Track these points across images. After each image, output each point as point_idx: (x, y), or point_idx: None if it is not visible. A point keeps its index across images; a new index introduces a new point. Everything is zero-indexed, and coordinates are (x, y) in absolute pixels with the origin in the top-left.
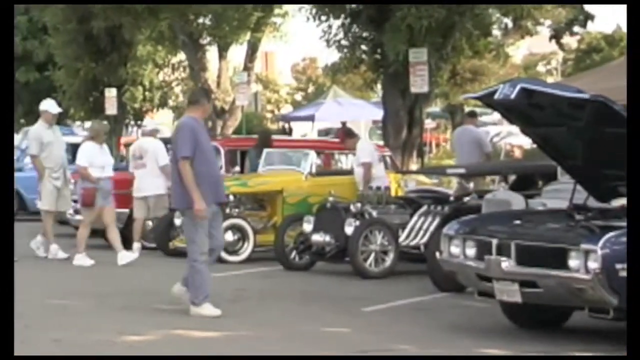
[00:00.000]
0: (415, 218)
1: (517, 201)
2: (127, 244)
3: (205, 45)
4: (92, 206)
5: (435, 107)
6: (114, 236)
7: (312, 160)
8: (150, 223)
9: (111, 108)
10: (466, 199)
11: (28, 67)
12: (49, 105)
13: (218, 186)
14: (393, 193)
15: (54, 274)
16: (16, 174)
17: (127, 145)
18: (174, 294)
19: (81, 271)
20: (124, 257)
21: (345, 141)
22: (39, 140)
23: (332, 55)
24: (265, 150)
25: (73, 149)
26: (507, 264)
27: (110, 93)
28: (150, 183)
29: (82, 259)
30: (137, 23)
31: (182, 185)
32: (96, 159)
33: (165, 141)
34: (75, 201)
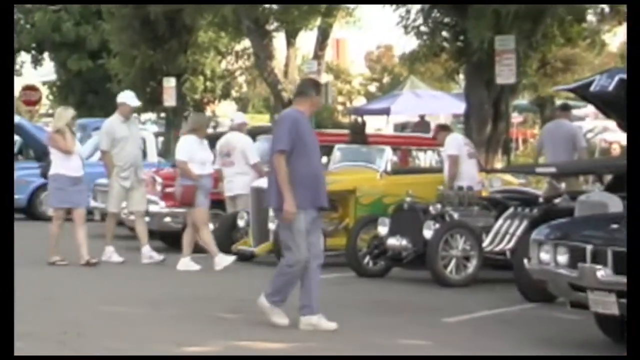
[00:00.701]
0: (500, 221)
1: (614, 203)
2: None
3: (272, 32)
4: (192, 205)
5: (523, 99)
6: (208, 239)
7: (388, 156)
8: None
9: (170, 99)
10: (557, 200)
11: (80, 54)
12: (127, 98)
13: (319, 189)
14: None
15: (108, 279)
16: None
17: None
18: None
19: (136, 276)
20: (223, 260)
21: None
22: (111, 135)
23: (410, 43)
24: (337, 146)
25: None
26: (602, 272)
27: (169, 83)
28: (239, 181)
29: (188, 264)
30: (199, 7)
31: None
32: (197, 154)
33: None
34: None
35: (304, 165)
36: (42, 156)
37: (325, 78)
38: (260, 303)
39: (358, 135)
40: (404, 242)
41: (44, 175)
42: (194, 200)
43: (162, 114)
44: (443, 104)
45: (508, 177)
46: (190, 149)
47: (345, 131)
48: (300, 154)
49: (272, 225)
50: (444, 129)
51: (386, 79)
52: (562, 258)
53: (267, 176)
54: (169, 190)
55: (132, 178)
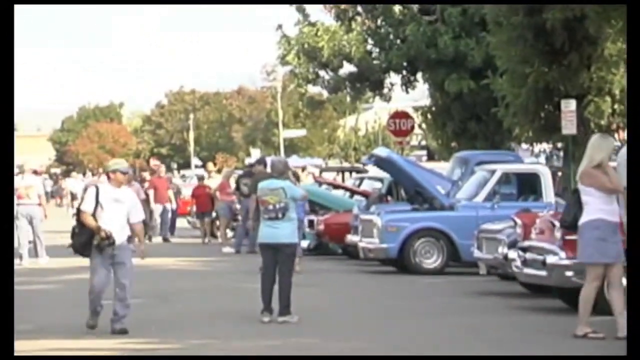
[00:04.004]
0: None
1: None
2: None
3: None
4: None
5: None
6: None
7: None
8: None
9: (569, 126)
10: None
11: (461, 73)
12: None
13: None
14: None
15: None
16: (446, 214)
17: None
18: None
19: None
20: None
21: None
22: None
23: None
24: None
25: (522, 181)
26: None
27: (568, 106)
28: None
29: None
30: (606, 13)
31: None
32: None
33: None
34: None
35: None
36: (414, 196)
37: None
38: None
39: None
40: None
41: (568, 223)
42: None
43: (559, 144)
44: None
45: None
46: None
47: None
48: None
49: None
50: None
51: None
52: None
53: None
54: (570, 238)
55: None
